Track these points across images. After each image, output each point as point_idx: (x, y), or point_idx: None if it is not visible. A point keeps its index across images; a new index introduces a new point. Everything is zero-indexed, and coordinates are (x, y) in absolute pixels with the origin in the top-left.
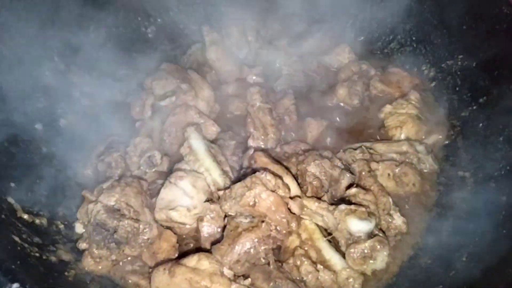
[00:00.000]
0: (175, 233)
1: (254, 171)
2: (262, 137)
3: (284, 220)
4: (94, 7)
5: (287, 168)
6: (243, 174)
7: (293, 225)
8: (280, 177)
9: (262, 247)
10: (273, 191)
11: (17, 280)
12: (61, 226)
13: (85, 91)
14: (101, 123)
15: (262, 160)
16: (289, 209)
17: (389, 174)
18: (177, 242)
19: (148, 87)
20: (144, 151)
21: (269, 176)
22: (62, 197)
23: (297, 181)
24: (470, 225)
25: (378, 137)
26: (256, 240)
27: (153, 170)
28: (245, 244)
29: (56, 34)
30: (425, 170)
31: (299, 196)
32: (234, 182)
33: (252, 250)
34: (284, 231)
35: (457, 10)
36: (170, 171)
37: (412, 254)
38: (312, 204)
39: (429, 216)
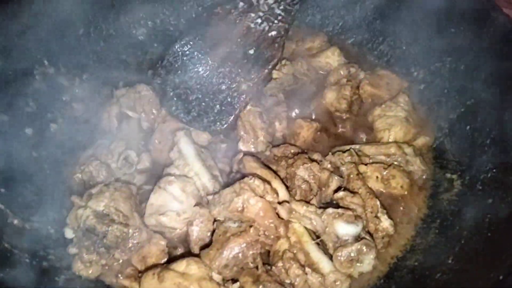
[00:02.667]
0: (164, 237)
1: (243, 176)
2: (252, 140)
3: (272, 225)
4: (84, 9)
5: (275, 173)
6: (232, 178)
7: (281, 230)
8: (269, 182)
9: (250, 252)
10: (261, 197)
11: (8, 287)
12: (52, 231)
13: (76, 95)
14: (91, 127)
15: (251, 165)
16: (277, 214)
17: (377, 177)
18: (167, 246)
19: (117, 97)
20: (120, 153)
21: (257, 182)
22: (52, 202)
23: (286, 184)
24: (456, 227)
25: (367, 140)
26: (244, 245)
27: (133, 169)
28: (234, 249)
29: (46, 37)
30: (413, 172)
31: (287, 201)
32: (224, 186)
33: (240, 255)
34: (272, 236)
35: (446, 14)
36: (157, 174)
37: (399, 256)
38: (301, 208)
39: (417, 218)
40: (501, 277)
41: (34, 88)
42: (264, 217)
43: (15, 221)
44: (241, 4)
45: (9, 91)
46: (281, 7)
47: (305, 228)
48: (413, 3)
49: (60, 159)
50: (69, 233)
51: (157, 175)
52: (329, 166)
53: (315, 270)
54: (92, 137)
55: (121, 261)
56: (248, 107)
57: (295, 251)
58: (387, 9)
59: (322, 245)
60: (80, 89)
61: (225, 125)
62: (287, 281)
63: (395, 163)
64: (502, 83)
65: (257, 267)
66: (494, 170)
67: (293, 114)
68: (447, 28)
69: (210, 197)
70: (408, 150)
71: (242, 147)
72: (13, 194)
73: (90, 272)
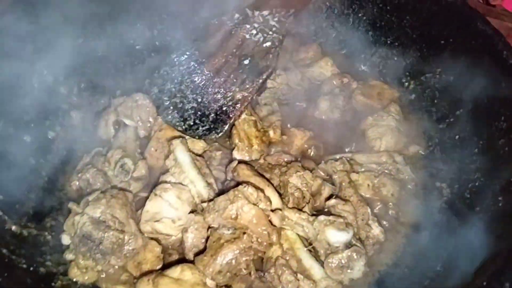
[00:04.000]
0: (159, 244)
1: (237, 183)
2: (247, 148)
3: (265, 232)
4: (83, 18)
5: (268, 181)
6: (226, 186)
7: (274, 237)
8: (262, 190)
9: (244, 258)
10: (254, 204)
11: None
12: (49, 237)
13: (73, 103)
14: (88, 135)
15: (245, 173)
16: (270, 221)
17: (368, 185)
18: (162, 253)
19: (114, 106)
20: (116, 161)
21: (251, 190)
22: (49, 208)
23: (279, 192)
24: (445, 236)
25: (359, 148)
26: (237, 251)
27: (129, 177)
28: (227, 255)
29: (44, 46)
30: (403, 181)
31: (280, 209)
32: (219, 193)
33: (233, 261)
34: (265, 243)
35: (436, 26)
36: (153, 182)
37: (389, 263)
38: (293, 215)
39: (407, 226)
40: (484, 283)
41: (32, 96)
42: (257, 224)
43: (13, 228)
44: (237, 15)
45: (7, 99)
46: (276, 19)
47: (298, 235)
48: (404, 14)
49: (58, 166)
50: (66, 240)
51: (153, 182)
52: (321, 174)
53: (307, 276)
54: (89, 144)
55: (116, 267)
56: (243, 116)
57: (287, 258)
58: (379, 21)
59: (314, 252)
60: (78, 97)
61: (220, 134)
62: (280, 287)
63: (386, 171)
64: (490, 94)
65: (250, 273)
66: (482, 179)
67: (287, 123)
68: (437, 39)
69: (204, 205)
70: (399, 158)
71: (236, 155)
72: (11, 200)
73: (86, 278)
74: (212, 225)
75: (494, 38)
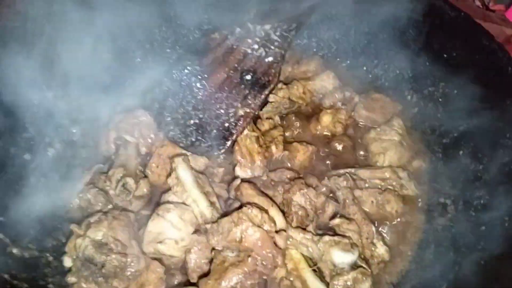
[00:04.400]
0: (162, 264)
1: (240, 204)
2: (249, 164)
3: (270, 255)
4: (82, 32)
5: (272, 200)
6: (229, 205)
7: (279, 259)
8: (266, 211)
9: (249, 282)
10: (259, 226)
11: None
12: (50, 258)
13: (73, 119)
14: (88, 152)
15: (248, 193)
16: (274, 243)
17: (372, 201)
18: (164, 273)
19: (115, 122)
20: (118, 180)
21: (255, 211)
22: (50, 228)
23: (282, 211)
24: (450, 254)
25: (362, 163)
26: (242, 275)
27: (131, 196)
28: (232, 280)
29: (44, 61)
30: (407, 197)
31: (284, 230)
32: (222, 213)
33: (238, 285)
34: (270, 266)
35: (439, 39)
36: (155, 199)
37: (395, 282)
38: (298, 235)
39: (412, 243)
40: None
41: (32, 112)
42: (262, 246)
43: (14, 250)
44: (238, 30)
45: (7, 116)
46: (278, 33)
47: (302, 255)
48: (406, 28)
49: (58, 184)
50: (67, 262)
51: (155, 199)
52: (325, 190)
53: None
54: (90, 161)
55: None
56: (245, 131)
57: (291, 279)
58: (381, 34)
59: (318, 273)
60: (77, 113)
61: (223, 150)
62: None
63: (390, 187)
64: (495, 109)
65: None
66: (487, 197)
67: (289, 137)
68: (440, 53)
69: (208, 226)
70: (403, 174)
71: (239, 171)
72: (11, 222)
73: None
74: (216, 248)
75: (498, 53)
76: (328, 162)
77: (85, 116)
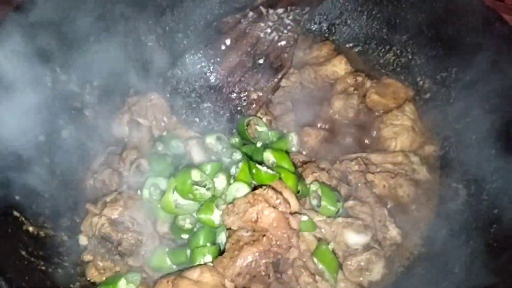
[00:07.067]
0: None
1: (255, 186)
2: None
3: (285, 235)
4: (95, 17)
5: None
6: None
7: (294, 240)
8: (280, 193)
9: (263, 261)
10: (274, 207)
11: None
12: (65, 238)
13: (87, 102)
14: (102, 134)
15: None
16: (289, 224)
17: (384, 185)
18: None
19: (128, 105)
20: (132, 162)
21: (270, 192)
22: (65, 208)
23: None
24: (463, 237)
25: (373, 148)
26: (257, 254)
27: (145, 177)
28: (247, 258)
29: (58, 45)
30: (419, 181)
31: (298, 212)
32: None
33: (253, 264)
34: (284, 246)
35: (452, 24)
36: None
37: (407, 265)
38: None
39: (424, 227)
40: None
41: (46, 95)
42: (277, 227)
43: (30, 229)
44: (251, 13)
45: (21, 97)
46: (290, 17)
47: (315, 236)
48: (419, 12)
49: (72, 165)
50: (83, 241)
51: None
52: (337, 175)
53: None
54: (103, 143)
55: (133, 268)
56: (258, 115)
57: (304, 259)
58: (394, 18)
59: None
60: (91, 96)
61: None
62: None
63: (402, 172)
64: (508, 95)
65: (268, 276)
66: (501, 181)
67: (301, 122)
68: (453, 38)
69: (223, 207)
70: (415, 159)
71: None
72: (27, 201)
73: (104, 278)
74: (232, 227)
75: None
76: (339, 146)
77: (98, 99)
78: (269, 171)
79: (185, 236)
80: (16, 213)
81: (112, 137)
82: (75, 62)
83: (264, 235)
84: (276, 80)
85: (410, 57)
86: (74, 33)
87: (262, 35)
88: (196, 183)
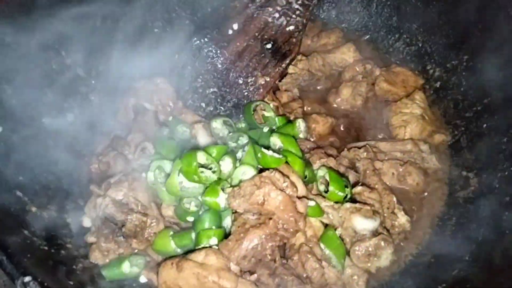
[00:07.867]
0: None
1: (261, 169)
2: None
3: (292, 219)
4: (101, 1)
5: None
6: None
7: (301, 224)
8: (287, 176)
9: (269, 244)
10: (281, 190)
11: (29, 273)
12: (69, 220)
13: (92, 86)
14: (107, 118)
15: None
16: (295, 207)
17: (393, 173)
18: None
19: (134, 89)
20: (137, 145)
21: (277, 175)
22: (69, 191)
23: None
24: (473, 225)
25: (382, 136)
26: (263, 236)
27: (150, 160)
28: (253, 241)
29: (63, 29)
30: (429, 170)
31: (305, 196)
32: None
33: (259, 247)
34: (291, 229)
35: (463, 12)
36: None
37: (415, 252)
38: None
39: (433, 215)
40: None
41: (51, 78)
42: (284, 210)
43: (33, 209)
44: None
45: (26, 81)
46: (299, 2)
47: (322, 222)
48: (429, 0)
49: (77, 148)
50: (87, 222)
51: None
52: (345, 161)
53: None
54: (108, 127)
55: (137, 250)
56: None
57: (311, 245)
58: (404, 6)
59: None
60: (96, 80)
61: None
62: (304, 274)
63: (411, 160)
64: None
65: (274, 260)
66: (511, 169)
67: (308, 109)
68: (465, 25)
69: (229, 189)
70: (424, 147)
71: None
72: (30, 182)
73: (107, 260)
74: (238, 210)
75: None
76: (347, 134)
77: (104, 84)
78: (275, 154)
79: (191, 218)
80: (19, 193)
81: (118, 121)
82: (80, 46)
83: (270, 218)
84: (284, 65)
85: (420, 45)
86: (81, 17)
87: (270, 19)
88: (202, 166)
